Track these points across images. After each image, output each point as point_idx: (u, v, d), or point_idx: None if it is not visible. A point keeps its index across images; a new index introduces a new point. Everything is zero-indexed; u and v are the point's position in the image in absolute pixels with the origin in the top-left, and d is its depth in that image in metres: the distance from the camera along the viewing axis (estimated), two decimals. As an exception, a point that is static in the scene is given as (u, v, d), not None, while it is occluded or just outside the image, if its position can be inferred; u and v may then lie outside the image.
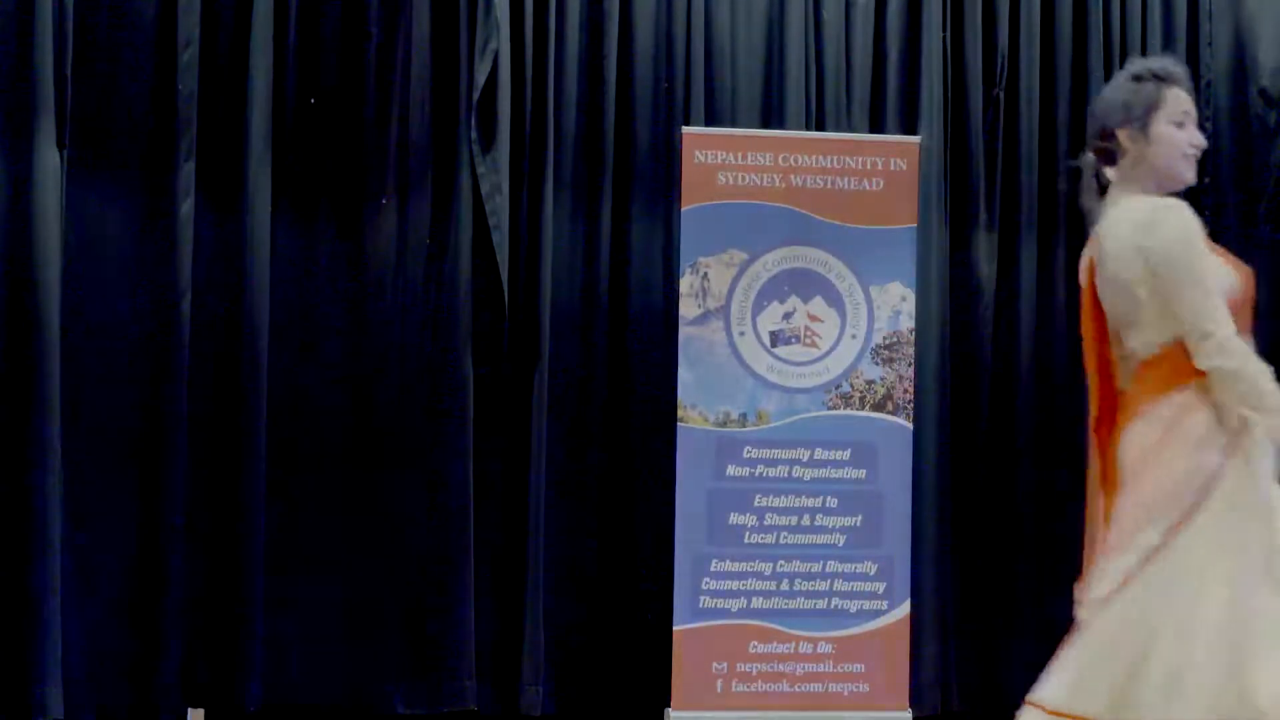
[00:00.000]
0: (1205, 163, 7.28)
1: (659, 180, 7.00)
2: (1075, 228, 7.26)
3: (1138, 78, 3.95)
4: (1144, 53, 7.35)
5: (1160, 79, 3.93)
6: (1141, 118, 3.90)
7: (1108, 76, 7.28)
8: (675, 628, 6.48)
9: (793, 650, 6.52)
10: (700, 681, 6.46)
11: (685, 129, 6.73)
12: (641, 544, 6.88)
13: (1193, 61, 7.38)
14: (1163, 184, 3.90)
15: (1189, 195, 7.40)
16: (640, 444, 6.92)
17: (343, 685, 6.73)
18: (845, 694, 6.52)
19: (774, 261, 6.64)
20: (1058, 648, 7.15)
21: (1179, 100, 3.93)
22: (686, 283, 6.61)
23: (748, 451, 6.56)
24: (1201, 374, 3.74)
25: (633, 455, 6.93)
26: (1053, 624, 7.08)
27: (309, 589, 6.71)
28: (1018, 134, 7.26)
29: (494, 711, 6.81)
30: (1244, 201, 7.39)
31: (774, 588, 6.53)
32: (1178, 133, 3.90)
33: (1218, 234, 7.32)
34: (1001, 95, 7.25)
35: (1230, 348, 3.71)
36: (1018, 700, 7.09)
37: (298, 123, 6.79)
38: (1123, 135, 3.92)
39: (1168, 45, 7.38)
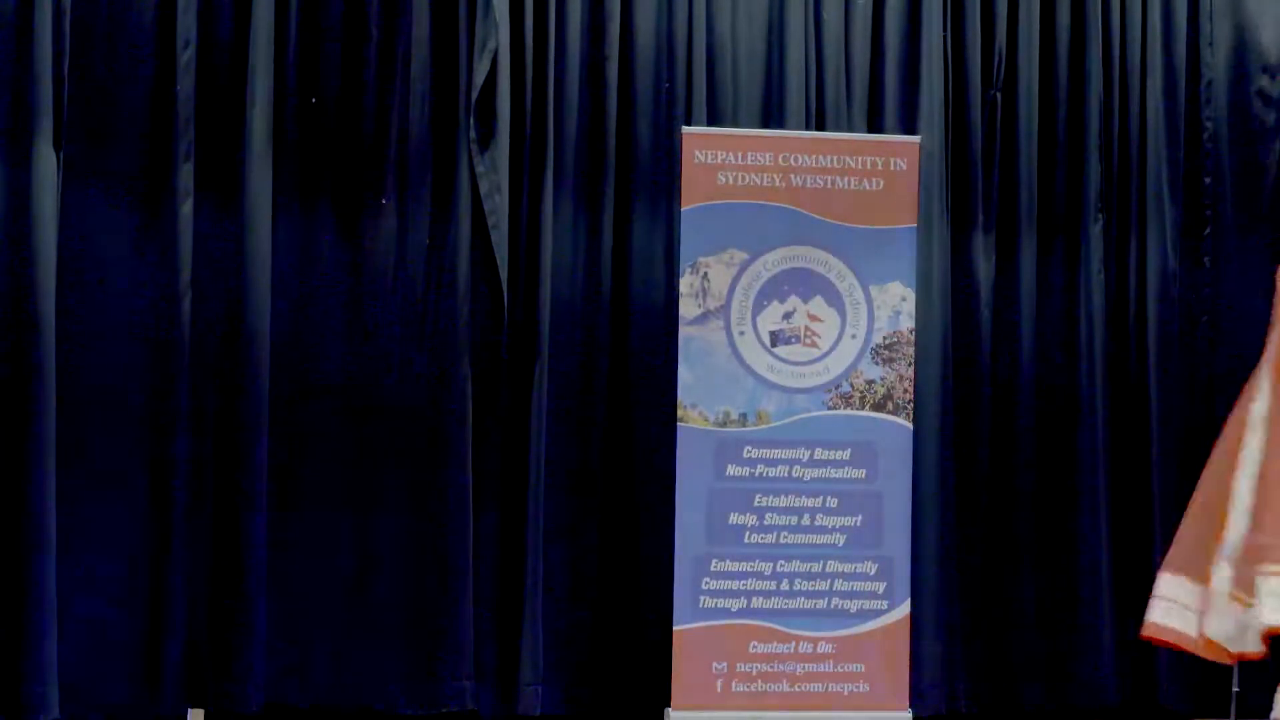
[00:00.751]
0: (1205, 162, 7.31)
1: (660, 180, 7.00)
2: (1072, 226, 7.29)
3: None
4: (1143, 53, 7.36)
5: None
6: None
7: (1107, 76, 7.29)
8: (675, 627, 6.48)
9: (793, 650, 6.51)
10: (700, 681, 6.45)
11: (685, 129, 6.73)
12: (642, 544, 6.87)
13: (1193, 61, 7.38)
14: None
15: (1187, 197, 7.43)
16: (641, 444, 6.91)
17: (344, 686, 6.72)
18: (845, 694, 6.51)
19: (774, 261, 6.63)
20: (1058, 646, 7.17)
21: None
22: (686, 282, 6.60)
23: (748, 451, 6.56)
24: None
25: (633, 455, 6.92)
26: (1053, 624, 7.14)
27: (311, 588, 6.71)
28: (1017, 134, 7.25)
29: (494, 711, 6.80)
30: (1244, 201, 7.37)
31: (774, 587, 6.52)
32: None
33: (1218, 233, 7.34)
34: (1000, 95, 7.24)
35: None
36: (1019, 700, 7.12)
37: (297, 123, 6.79)
38: None
39: (1168, 45, 7.37)
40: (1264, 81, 7.39)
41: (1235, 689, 6.39)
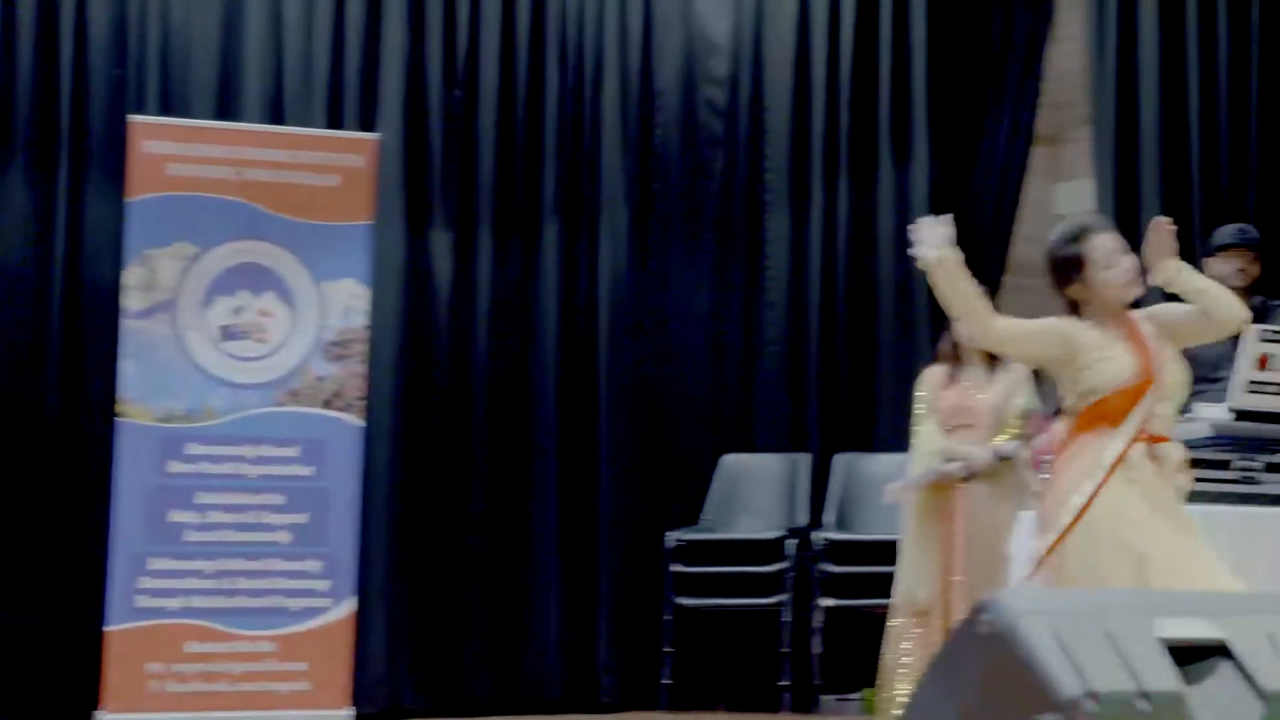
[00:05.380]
0: (656, 168, 7.47)
1: (112, 168, 6.82)
2: (529, 225, 7.36)
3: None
4: (599, 61, 7.47)
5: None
6: None
7: (563, 82, 7.37)
8: (106, 628, 6.31)
9: (232, 649, 6.42)
10: (132, 683, 6.29)
11: (133, 117, 6.57)
12: (87, 542, 6.68)
13: (645, 72, 7.52)
14: None
15: (639, 201, 7.51)
16: (84, 439, 6.73)
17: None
18: (286, 693, 6.45)
19: (225, 255, 6.54)
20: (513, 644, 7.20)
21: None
22: (133, 275, 6.44)
23: (191, 448, 6.44)
24: None
25: (77, 450, 6.74)
26: (498, 628, 7.16)
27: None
28: (477, 132, 7.31)
29: None
30: (691, 206, 7.56)
31: (214, 586, 6.41)
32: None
33: (665, 237, 7.51)
34: (463, 95, 7.29)
35: None
36: (468, 695, 7.15)
37: None
38: None
39: (622, 54, 7.49)
40: (712, 92, 7.60)
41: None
